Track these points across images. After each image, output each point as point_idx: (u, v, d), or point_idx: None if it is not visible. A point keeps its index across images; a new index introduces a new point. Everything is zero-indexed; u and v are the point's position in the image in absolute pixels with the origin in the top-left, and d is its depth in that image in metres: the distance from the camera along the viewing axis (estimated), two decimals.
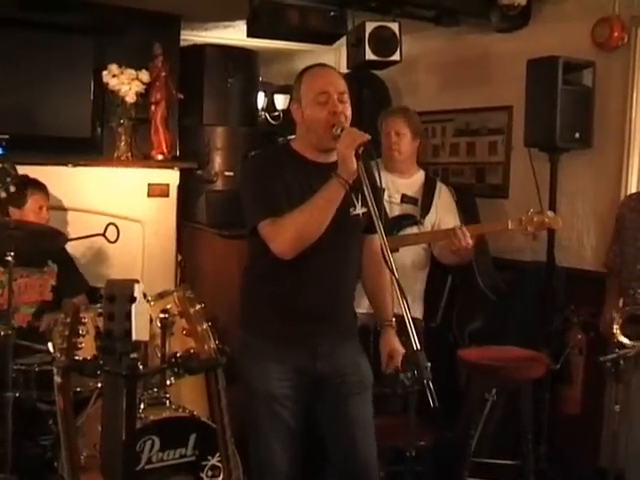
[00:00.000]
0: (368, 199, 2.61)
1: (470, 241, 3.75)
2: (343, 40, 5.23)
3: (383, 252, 2.51)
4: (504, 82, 5.46)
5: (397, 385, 2.99)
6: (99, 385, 3.24)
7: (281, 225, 2.80)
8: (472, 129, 5.80)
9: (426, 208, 4.29)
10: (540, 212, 3.76)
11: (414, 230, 4.25)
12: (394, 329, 3.14)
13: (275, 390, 2.98)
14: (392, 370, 3.09)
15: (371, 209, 2.60)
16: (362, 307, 3.43)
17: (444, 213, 4.29)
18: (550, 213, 3.85)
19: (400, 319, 2.55)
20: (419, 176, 4.43)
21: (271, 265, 2.92)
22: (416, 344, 2.34)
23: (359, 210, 3.00)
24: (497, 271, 5.10)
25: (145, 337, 2.15)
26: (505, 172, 5.56)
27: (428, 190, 4.34)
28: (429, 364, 2.33)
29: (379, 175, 2.79)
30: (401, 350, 3.08)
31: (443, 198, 4.35)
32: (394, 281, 2.44)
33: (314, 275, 2.94)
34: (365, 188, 2.63)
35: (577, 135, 4.82)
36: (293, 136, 3.12)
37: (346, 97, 2.93)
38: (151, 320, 3.26)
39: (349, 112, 2.92)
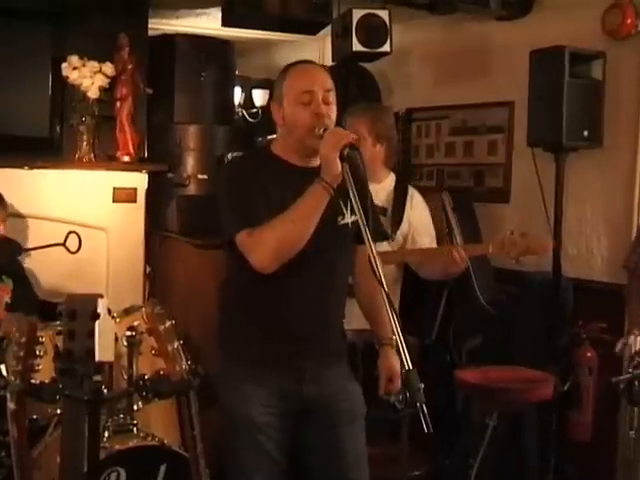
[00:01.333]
0: (354, 204, 2.61)
1: (464, 265, 3.75)
2: (328, 30, 5.25)
3: (371, 262, 2.52)
4: (505, 75, 5.49)
5: (388, 409, 3.00)
6: (58, 411, 3.23)
7: (260, 236, 2.80)
8: (470, 127, 5.83)
9: (397, 220, 4.20)
10: (524, 234, 3.76)
11: (384, 245, 4.18)
12: (393, 348, 3.14)
13: (257, 417, 2.97)
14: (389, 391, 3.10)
15: (357, 215, 2.61)
16: (349, 324, 3.43)
17: (417, 226, 4.21)
18: (536, 238, 3.82)
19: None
20: (389, 181, 4.31)
21: (251, 280, 2.92)
22: (408, 363, 2.35)
23: (348, 219, 3.00)
24: (498, 283, 5.11)
25: (109, 358, 2.15)
26: (506, 174, 5.59)
27: (399, 197, 4.24)
28: (423, 385, 2.33)
29: (366, 177, 2.79)
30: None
31: (416, 208, 4.24)
32: (383, 295, 2.45)
33: (298, 291, 2.94)
34: (351, 193, 2.64)
35: (586, 133, 4.84)
36: (273, 136, 3.12)
37: (332, 96, 2.93)
38: (116, 339, 3.26)
39: (334, 114, 2.93)
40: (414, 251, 4.16)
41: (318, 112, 2.87)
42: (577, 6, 5.03)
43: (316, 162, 2.90)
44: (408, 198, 4.22)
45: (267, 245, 2.78)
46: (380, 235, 3.27)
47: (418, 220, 4.22)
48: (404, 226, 4.18)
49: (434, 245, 4.19)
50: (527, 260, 4.98)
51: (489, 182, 5.70)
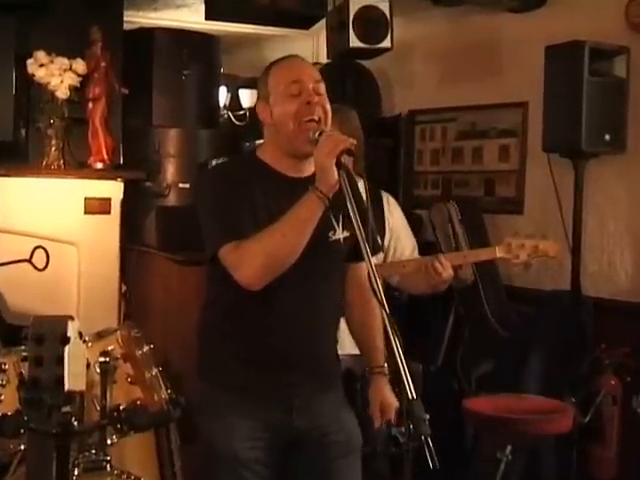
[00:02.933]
0: (352, 216, 2.61)
1: (451, 272, 3.75)
2: (322, 23, 5.27)
3: (371, 281, 2.52)
4: (518, 73, 5.51)
5: (389, 442, 3.00)
6: (22, 447, 3.21)
7: (247, 250, 2.79)
8: (479, 130, 5.84)
9: (379, 229, 4.15)
10: (531, 236, 3.79)
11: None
12: (386, 377, 3.14)
13: (242, 452, 2.96)
14: (383, 424, 3.09)
15: (356, 229, 2.60)
16: (346, 348, 3.43)
17: (398, 233, 4.18)
18: (545, 239, 3.83)
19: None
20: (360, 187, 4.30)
21: (235, 299, 2.92)
22: (411, 392, 2.34)
23: (340, 234, 3.00)
24: (510, 302, 5.12)
25: (81, 386, 2.14)
26: (519, 182, 5.60)
27: (374, 203, 4.17)
28: (428, 416, 2.33)
29: (365, 188, 2.79)
30: (394, 403, 3.09)
31: (394, 213, 4.21)
32: (384, 316, 2.45)
33: (287, 312, 2.93)
34: (349, 203, 2.64)
35: (607, 137, 4.85)
36: (261, 141, 3.11)
37: (322, 87, 2.94)
38: (88, 365, 3.25)
39: (327, 106, 2.93)
40: (396, 264, 4.12)
41: (309, 100, 2.87)
42: None
43: (306, 171, 2.91)
44: (384, 203, 4.22)
45: (255, 260, 2.78)
46: (376, 249, 3.27)
47: (399, 226, 4.21)
48: (386, 235, 4.18)
49: (416, 253, 4.17)
50: (542, 277, 5.01)
51: (500, 191, 5.71)
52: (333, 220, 2.96)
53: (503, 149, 5.69)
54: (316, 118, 2.85)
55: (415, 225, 4.47)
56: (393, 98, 6.28)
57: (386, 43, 5.13)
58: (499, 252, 3.77)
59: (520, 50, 5.48)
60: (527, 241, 3.72)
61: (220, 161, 5.04)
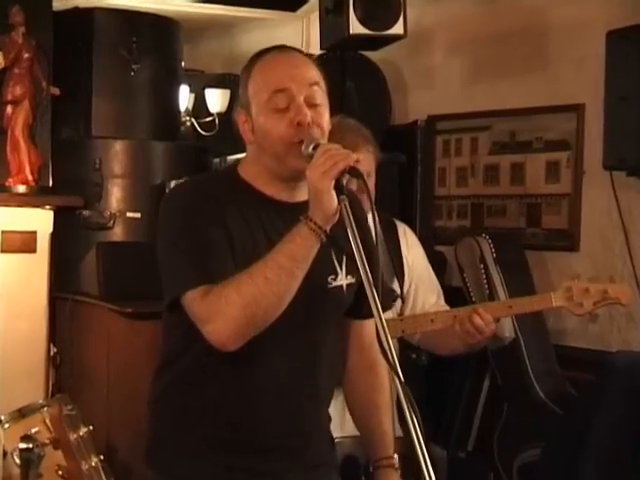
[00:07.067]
0: (357, 257, 2.58)
1: (494, 328, 3.74)
2: (314, 3, 5.28)
3: (380, 340, 2.49)
4: (570, 67, 5.52)
5: None
6: None
7: (220, 298, 2.75)
8: (520, 142, 5.85)
9: (397, 271, 4.08)
10: (595, 278, 3.79)
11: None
12: (397, 471, 3.12)
13: None
14: None
15: (362, 274, 2.56)
16: (346, 429, 3.42)
17: (420, 276, 4.13)
18: (613, 282, 3.82)
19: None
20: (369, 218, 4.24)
21: (201, 361, 2.89)
22: None
23: (342, 280, 2.97)
24: (563, 368, 5.11)
25: None
26: (573, 210, 5.59)
27: (388, 237, 4.09)
28: None
29: (375, 219, 2.77)
30: None
31: (413, 250, 4.20)
32: (398, 386, 2.42)
33: (269, 378, 2.90)
34: (352, 239, 2.61)
35: None
36: (241, 155, 3.09)
37: (319, 94, 2.89)
38: (5, 454, 3.23)
39: (325, 119, 2.90)
40: (422, 318, 4.07)
41: (300, 120, 2.84)
42: None
43: (301, 195, 2.87)
44: (400, 236, 4.19)
45: (230, 312, 2.74)
46: (389, 300, 3.24)
47: (420, 267, 4.17)
48: (405, 279, 4.13)
49: (442, 301, 4.14)
50: (605, 335, 5.01)
51: (548, 221, 5.71)
52: (335, 260, 2.94)
53: (551, 166, 5.69)
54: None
55: (437, 266, 4.45)
56: (407, 100, 6.30)
57: (397, 29, 5.13)
58: (556, 300, 3.75)
59: (574, 37, 5.50)
60: (592, 285, 3.71)
61: (185, 180, 5.04)
